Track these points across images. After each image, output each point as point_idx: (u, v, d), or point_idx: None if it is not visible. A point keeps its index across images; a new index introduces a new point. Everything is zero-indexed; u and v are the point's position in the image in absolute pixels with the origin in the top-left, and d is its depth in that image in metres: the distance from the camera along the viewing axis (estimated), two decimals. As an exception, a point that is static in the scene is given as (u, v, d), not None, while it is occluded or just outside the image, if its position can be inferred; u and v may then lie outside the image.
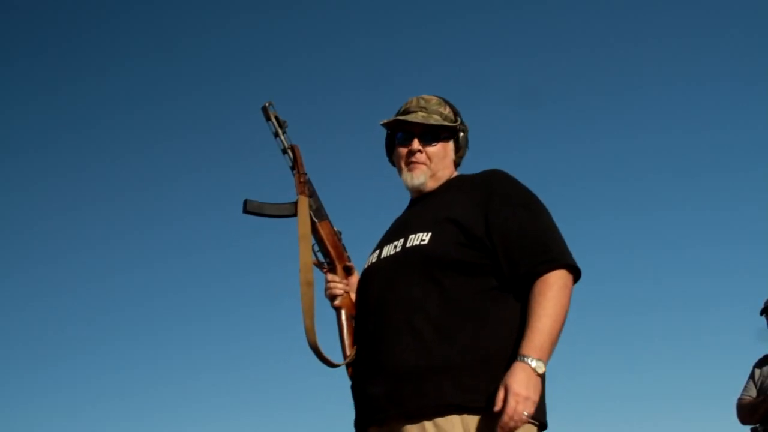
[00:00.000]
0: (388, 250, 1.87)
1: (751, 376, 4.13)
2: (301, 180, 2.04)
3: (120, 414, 9.64)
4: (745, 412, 4.06)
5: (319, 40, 11.36)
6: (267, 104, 2.03)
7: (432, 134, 1.95)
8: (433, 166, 1.94)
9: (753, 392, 4.08)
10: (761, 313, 4.11)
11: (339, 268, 2.06)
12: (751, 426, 4.08)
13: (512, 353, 1.63)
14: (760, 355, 4.20)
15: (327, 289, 2.02)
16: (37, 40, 10.84)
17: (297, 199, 2.01)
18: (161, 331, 10.88)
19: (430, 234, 1.78)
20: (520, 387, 1.55)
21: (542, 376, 1.61)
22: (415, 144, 1.94)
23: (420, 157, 1.94)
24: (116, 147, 11.50)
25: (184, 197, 11.58)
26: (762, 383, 4.03)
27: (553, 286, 1.65)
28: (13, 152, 11.07)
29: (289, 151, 2.06)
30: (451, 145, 1.98)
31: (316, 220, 2.04)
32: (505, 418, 1.54)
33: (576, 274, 1.71)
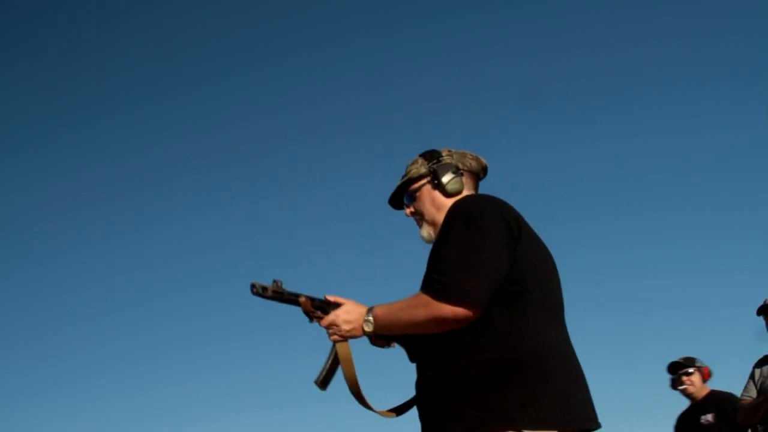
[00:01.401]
0: None
1: (751, 376, 4.12)
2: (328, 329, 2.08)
3: (120, 414, 9.64)
4: (746, 412, 4.03)
5: (319, 40, 11.37)
6: (254, 288, 2.03)
7: (407, 195, 2.18)
8: (427, 218, 2.13)
9: (753, 393, 4.06)
10: (758, 313, 4.08)
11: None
12: (752, 426, 4.06)
13: (498, 375, 1.78)
14: (760, 356, 4.19)
15: None
16: (37, 40, 10.83)
17: (335, 348, 2.08)
18: (161, 331, 10.88)
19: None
20: (340, 315, 2.03)
21: (370, 334, 2.02)
22: (406, 210, 2.19)
23: (415, 218, 2.18)
24: (116, 147, 11.51)
25: (184, 197, 11.58)
26: (762, 383, 4.01)
27: (421, 300, 1.87)
28: (13, 152, 11.08)
29: (306, 310, 2.10)
30: (428, 188, 2.13)
31: None
32: (324, 322, 2.05)
33: (462, 302, 1.81)
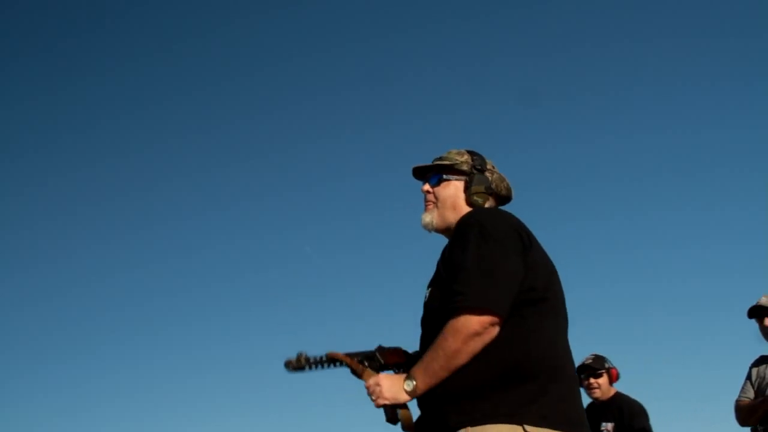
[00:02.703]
0: (424, 296, 2.09)
1: (748, 377, 4.08)
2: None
3: (120, 414, 9.64)
4: (744, 413, 3.98)
5: (320, 40, 11.38)
6: (289, 367, 2.11)
7: (437, 176, 2.18)
8: (440, 204, 2.15)
9: (750, 393, 4.02)
10: (749, 316, 3.99)
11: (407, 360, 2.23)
12: (751, 427, 4.01)
13: (506, 377, 1.83)
14: (757, 356, 4.15)
15: None
16: (37, 40, 10.84)
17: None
18: (161, 331, 10.89)
19: (430, 290, 2.05)
20: (382, 380, 1.99)
21: (413, 392, 1.94)
22: (425, 186, 2.21)
23: (429, 196, 2.19)
24: (116, 147, 11.52)
25: (185, 197, 11.59)
26: (759, 384, 3.99)
27: (447, 329, 1.86)
28: (13, 152, 11.08)
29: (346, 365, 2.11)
30: (459, 185, 2.16)
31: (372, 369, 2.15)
32: (367, 390, 2.01)
33: (487, 310, 1.82)
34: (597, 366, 4.38)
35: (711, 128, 10.60)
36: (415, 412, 2.01)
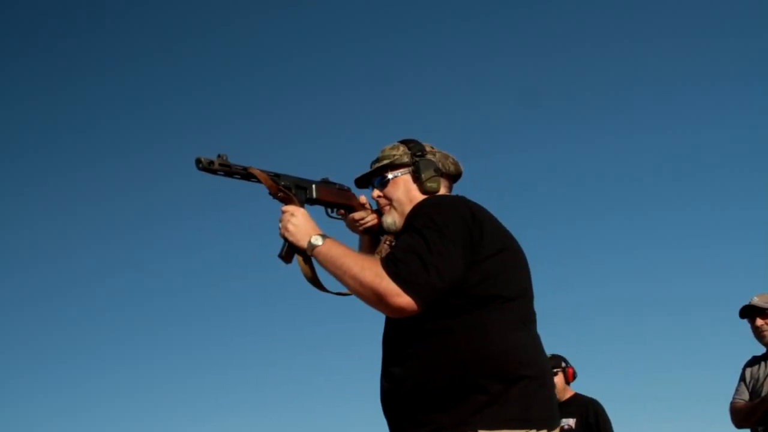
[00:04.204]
0: None
1: (742, 378, 4.01)
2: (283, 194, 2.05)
3: (120, 414, 9.64)
4: (742, 415, 3.90)
5: (319, 40, 11.37)
6: (201, 164, 1.94)
7: (381, 179, 2.12)
8: (396, 204, 2.09)
9: (745, 395, 3.95)
10: (741, 316, 3.93)
11: (355, 206, 2.22)
12: (751, 428, 3.95)
13: (461, 378, 1.75)
14: (750, 357, 4.09)
15: (357, 227, 2.24)
16: (37, 40, 10.83)
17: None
18: (161, 331, 10.88)
19: None
20: (300, 215, 1.97)
21: (309, 248, 1.91)
22: (374, 192, 2.15)
23: (382, 201, 2.13)
24: (116, 147, 11.51)
25: (184, 197, 11.58)
26: (754, 385, 3.92)
27: (375, 273, 1.78)
28: (13, 152, 11.08)
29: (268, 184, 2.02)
30: (406, 178, 2.10)
31: (302, 200, 2.09)
32: (283, 210, 2.00)
33: (411, 302, 1.75)
34: (553, 364, 4.28)
35: (711, 128, 10.59)
36: (378, 409, 1.94)
